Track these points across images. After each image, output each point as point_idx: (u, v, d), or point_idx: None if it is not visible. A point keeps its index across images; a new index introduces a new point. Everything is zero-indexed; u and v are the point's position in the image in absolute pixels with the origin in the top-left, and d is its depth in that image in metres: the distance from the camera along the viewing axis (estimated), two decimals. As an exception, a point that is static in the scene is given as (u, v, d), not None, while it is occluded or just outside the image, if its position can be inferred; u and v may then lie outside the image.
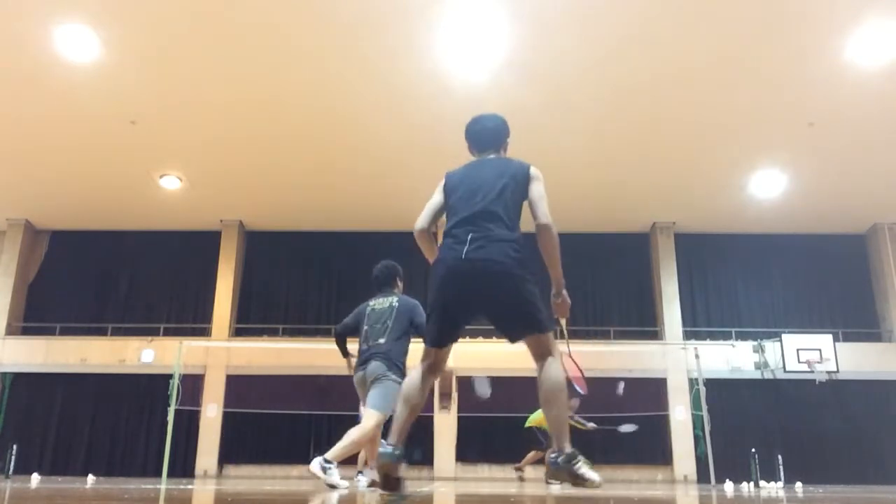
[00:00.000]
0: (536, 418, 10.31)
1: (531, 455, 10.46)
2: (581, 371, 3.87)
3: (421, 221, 3.51)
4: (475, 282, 3.17)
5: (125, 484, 6.96)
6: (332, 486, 5.09)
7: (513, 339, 3.28)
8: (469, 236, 3.18)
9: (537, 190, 3.38)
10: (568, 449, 3.08)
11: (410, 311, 5.37)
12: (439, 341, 3.33)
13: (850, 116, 10.38)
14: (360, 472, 8.21)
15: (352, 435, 5.17)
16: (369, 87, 9.92)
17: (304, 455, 12.92)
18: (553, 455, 3.11)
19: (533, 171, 3.45)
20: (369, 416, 5.16)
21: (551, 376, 3.16)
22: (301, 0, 8.36)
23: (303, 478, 12.20)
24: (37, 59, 9.22)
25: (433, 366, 3.35)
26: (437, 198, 3.53)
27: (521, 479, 10.80)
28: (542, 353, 3.22)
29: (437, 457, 12.69)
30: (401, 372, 5.23)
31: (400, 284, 5.71)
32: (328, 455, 5.07)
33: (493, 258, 3.15)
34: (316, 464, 5.02)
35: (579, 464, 3.06)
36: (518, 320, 3.23)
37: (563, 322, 3.61)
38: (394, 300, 5.47)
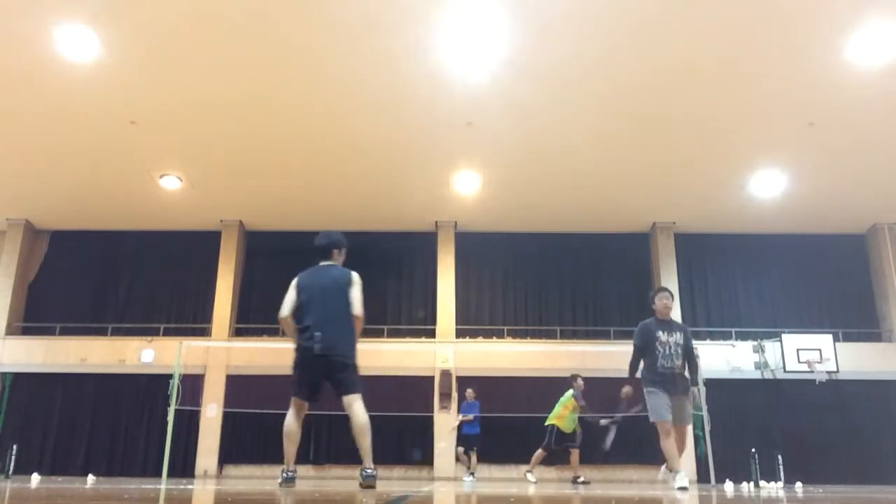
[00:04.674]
0: (556, 417, 10.32)
1: (538, 454, 10.41)
2: None
3: (284, 311, 5.09)
4: (323, 366, 4.95)
5: (125, 484, 6.94)
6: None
7: (339, 394, 4.91)
8: (317, 335, 4.89)
9: (355, 293, 5.09)
10: (373, 466, 4.76)
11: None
12: (308, 398, 5.05)
13: (850, 116, 10.38)
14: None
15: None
16: (369, 88, 9.92)
17: (304, 455, 12.92)
18: (369, 469, 4.70)
19: (354, 277, 5.13)
20: None
21: (362, 417, 4.83)
22: (301, 1, 8.36)
23: (302, 478, 12.19)
24: (37, 59, 9.22)
25: (302, 409, 5.08)
26: (292, 294, 5.12)
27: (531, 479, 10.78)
28: (352, 405, 4.85)
29: (437, 457, 12.69)
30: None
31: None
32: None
33: (335, 351, 4.91)
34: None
35: (376, 474, 4.83)
36: (346, 386, 4.93)
37: None
38: None
